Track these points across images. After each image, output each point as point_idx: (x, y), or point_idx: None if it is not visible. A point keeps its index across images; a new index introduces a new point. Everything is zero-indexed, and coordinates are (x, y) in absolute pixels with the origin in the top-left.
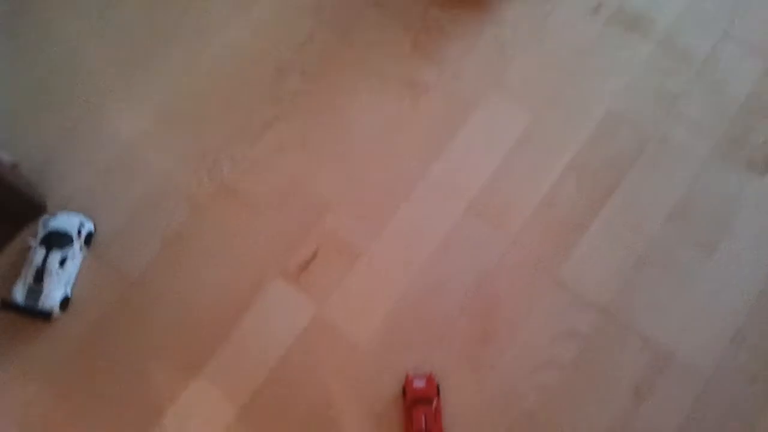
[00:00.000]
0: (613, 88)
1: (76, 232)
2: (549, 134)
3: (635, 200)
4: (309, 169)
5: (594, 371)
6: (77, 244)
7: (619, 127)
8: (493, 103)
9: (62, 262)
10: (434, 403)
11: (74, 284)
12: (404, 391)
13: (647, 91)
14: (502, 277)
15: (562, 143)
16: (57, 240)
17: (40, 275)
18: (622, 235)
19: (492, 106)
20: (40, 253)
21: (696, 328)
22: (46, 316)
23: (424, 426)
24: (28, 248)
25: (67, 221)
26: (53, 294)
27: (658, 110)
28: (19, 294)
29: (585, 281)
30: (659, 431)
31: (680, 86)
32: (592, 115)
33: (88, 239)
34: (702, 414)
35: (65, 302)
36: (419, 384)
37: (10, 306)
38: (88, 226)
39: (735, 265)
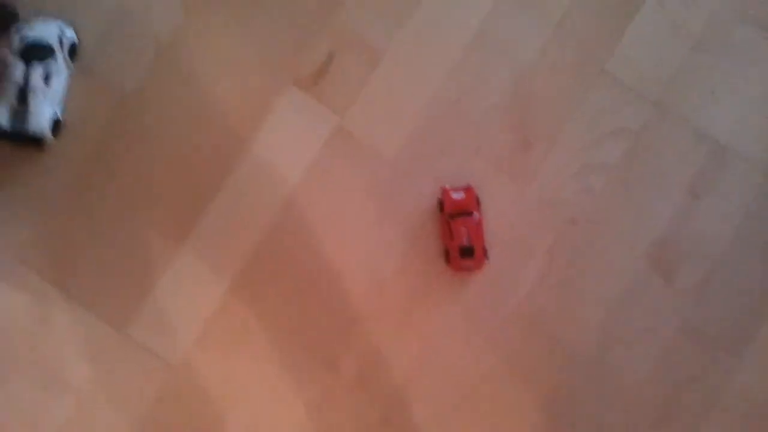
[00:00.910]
0: None
1: (57, 42)
2: None
3: None
4: None
5: (645, 171)
6: (60, 56)
7: None
8: None
9: (46, 78)
10: (475, 215)
11: (63, 104)
12: (441, 205)
13: None
14: (543, 74)
15: None
16: (37, 52)
17: (23, 94)
18: (674, 17)
19: None
20: (19, 68)
21: (757, 118)
22: (37, 141)
23: (466, 240)
24: (4, 63)
25: (45, 29)
26: (42, 114)
27: None
28: (2, 117)
29: (634, 73)
30: (718, 231)
31: None
32: None
33: (72, 51)
34: (765, 210)
35: (56, 125)
36: (458, 196)
37: None
38: (70, 35)
39: None
